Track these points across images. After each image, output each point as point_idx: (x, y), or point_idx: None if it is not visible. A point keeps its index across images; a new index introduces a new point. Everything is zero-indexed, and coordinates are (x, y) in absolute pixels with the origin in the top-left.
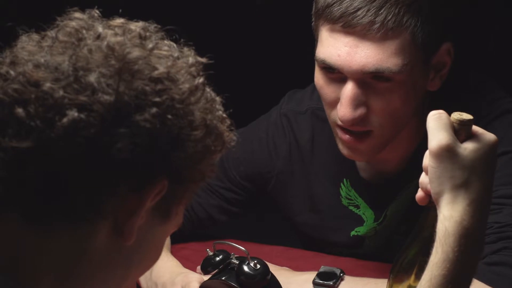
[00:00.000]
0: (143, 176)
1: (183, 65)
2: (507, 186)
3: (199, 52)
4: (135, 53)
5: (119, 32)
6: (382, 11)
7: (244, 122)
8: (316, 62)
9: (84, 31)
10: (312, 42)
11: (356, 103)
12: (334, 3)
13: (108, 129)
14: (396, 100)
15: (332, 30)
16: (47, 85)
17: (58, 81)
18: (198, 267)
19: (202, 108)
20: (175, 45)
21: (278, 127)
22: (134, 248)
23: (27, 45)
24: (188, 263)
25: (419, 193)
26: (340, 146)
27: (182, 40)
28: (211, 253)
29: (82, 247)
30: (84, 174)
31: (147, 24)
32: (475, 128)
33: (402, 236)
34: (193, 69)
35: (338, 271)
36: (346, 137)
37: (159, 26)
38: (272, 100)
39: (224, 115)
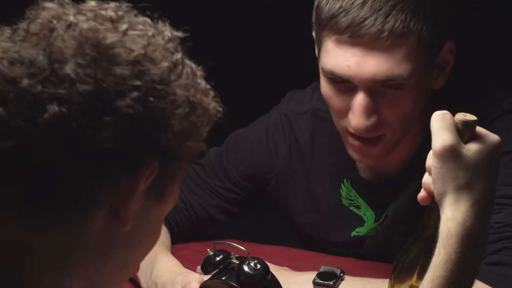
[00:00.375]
0: (133, 160)
1: (160, 42)
2: (507, 186)
3: (200, 53)
4: (110, 38)
5: (91, 17)
6: (389, 18)
7: (244, 122)
8: (322, 72)
9: (55, 21)
10: (313, 41)
11: (369, 112)
12: (339, 14)
13: (90, 119)
14: (406, 104)
15: (339, 41)
16: (25, 81)
17: (35, 76)
18: (198, 267)
19: (183, 85)
20: (149, 21)
21: (278, 127)
22: (132, 232)
23: (0, 41)
24: (188, 263)
25: (422, 193)
26: (351, 152)
27: (155, 15)
28: (211, 253)
29: (79, 238)
30: (73, 167)
31: (118, 5)
32: (478, 129)
33: (402, 236)
34: (170, 45)
35: (338, 271)
36: (357, 143)
37: (131, 5)
38: (272, 100)
39: (207, 86)
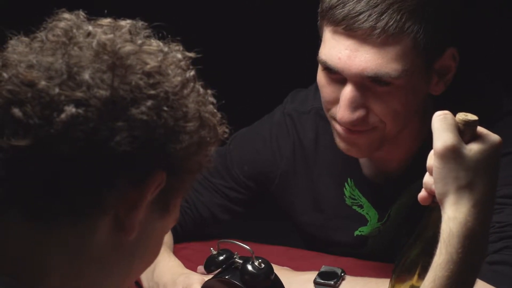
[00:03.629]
0: (142, 169)
1: (173, 60)
2: (508, 186)
3: (202, 53)
4: (127, 48)
5: (109, 30)
6: (383, 16)
7: (247, 121)
8: (318, 61)
9: (74, 30)
10: (314, 41)
11: (355, 105)
12: (337, 5)
13: (106, 123)
14: (395, 103)
15: (335, 32)
16: (42, 83)
17: (52, 79)
18: (199, 267)
19: (195, 101)
20: (161, 42)
21: (282, 126)
22: (136, 243)
23: (18, 47)
24: (189, 263)
25: (422, 193)
26: (337, 140)
27: (169, 36)
28: (214, 252)
29: (83, 243)
30: (84, 169)
31: (134, 22)
32: (479, 129)
33: (405, 236)
34: (182, 63)
35: (339, 271)
36: (344, 129)
37: (146, 24)
38: (276, 99)
39: (215, 110)
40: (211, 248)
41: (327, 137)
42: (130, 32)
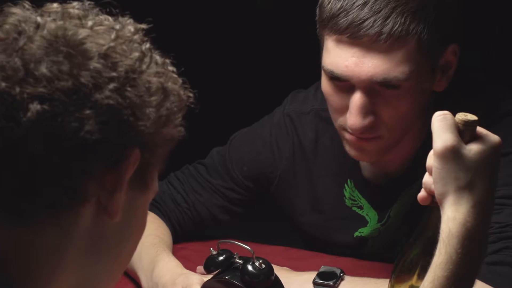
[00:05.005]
0: (116, 151)
1: (127, 35)
2: (507, 186)
3: (203, 54)
4: (79, 33)
5: (57, 16)
6: (388, 21)
7: (247, 122)
8: (323, 71)
9: (23, 24)
10: (314, 42)
11: (365, 111)
12: (340, 14)
13: (73, 114)
14: (404, 105)
15: (339, 41)
16: (2, 84)
17: (10, 78)
18: (198, 267)
19: (155, 73)
20: (111, 18)
21: (282, 127)
22: (122, 224)
23: None
24: (188, 263)
25: (422, 193)
26: (347, 148)
27: (116, 11)
28: (214, 252)
29: (67, 234)
30: (59, 163)
31: (81, 3)
32: (479, 129)
33: (405, 237)
34: (136, 37)
35: (338, 271)
36: (353, 137)
37: (93, 2)
38: (275, 100)
39: (175, 75)
40: (211, 248)
41: (327, 138)
42: (78, 16)
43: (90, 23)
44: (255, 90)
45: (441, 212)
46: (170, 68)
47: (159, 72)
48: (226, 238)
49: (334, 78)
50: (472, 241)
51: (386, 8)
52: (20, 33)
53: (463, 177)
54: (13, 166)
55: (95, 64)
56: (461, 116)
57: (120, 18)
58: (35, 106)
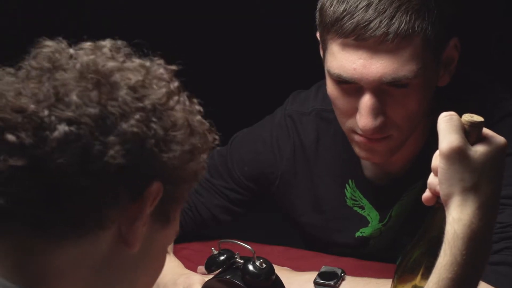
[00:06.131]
0: (139, 181)
1: (156, 73)
2: (510, 186)
3: (204, 54)
4: (109, 65)
5: (90, 51)
6: (394, 21)
7: (248, 122)
8: (328, 75)
9: (57, 55)
10: (315, 42)
11: (376, 112)
12: (344, 17)
13: (98, 138)
14: (413, 103)
15: (344, 44)
16: (32, 107)
17: (41, 103)
18: (199, 267)
19: (182, 110)
20: (142, 59)
21: (283, 128)
22: (140, 255)
23: (3, 77)
24: (188, 263)
25: (427, 194)
26: (357, 150)
27: (149, 52)
28: (215, 252)
29: (85, 254)
30: (81, 185)
31: (113, 41)
32: (485, 130)
33: (407, 236)
34: (165, 76)
35: (339, 271)
36: (363, 138)
37: (125, 42)
38: (276, 100)
39: (202, 119)
40: (212, 248)
41: (328, 138)
42: (110, 51)
43: (121, 58)
44: (256, 91)
45: (446, 213)
46: (197, 108)
47: (186, 110)
48: (227, 237)
49: (342, 82)
50: (477, 243)
51: (390, 7)
52: (54, 62)
53: (469, 178)
54: (38, 180)
55: (123, 95)
56: (467, 117)
57: (152, 59)
58: (62, 127)
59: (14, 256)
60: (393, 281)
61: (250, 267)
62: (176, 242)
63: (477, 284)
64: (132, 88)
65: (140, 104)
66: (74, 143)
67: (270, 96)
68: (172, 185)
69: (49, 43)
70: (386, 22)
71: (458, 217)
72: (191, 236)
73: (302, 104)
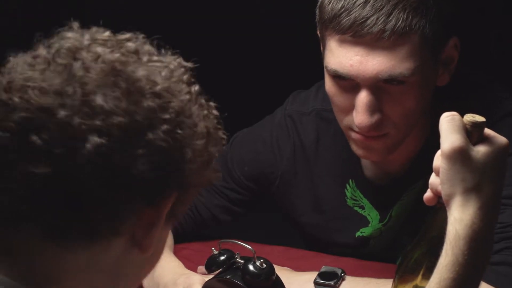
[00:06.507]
0: (160, 191)
1: (179, 75)
2: (509, 187)
3: (204, 54)
4: (139, 71)
5: (114, 48)
6: (391, 18)
7: (248, 122)
8: (326, 71)
9: (81, 52)
10: (316, 42)
11: (372, 109)
12: (341, 14)
13: (127, 150)
14: (410, 101)
15: (342, 41)
16: (61, 113)
17: (67, 107)
18: (200, 267)
19: (202, 116)
20: (162, 57)
21: (283, 128)
22: (148, 256)
23: (20, 66)
24: (189, 263)
25: (428, 194)
26: (354, 148)
27: (167, 47)
28: (216, 252)
29: (98, 260)
30: (105, 195)
31: (135, 35)
32: (486, 130)
33: (407, 236)
34: (185, 77)
35: (339, 271)
36: (360, 136)
37: (145, 36)
38: (277, 100)
39: (218, 125)
40: (213, 248)
41: (328, 138)
42: (135, 50)
43: (145, 58)
44: (256, 91)
45: (448, 213)
46: (214, 112)
47: (206, 115)
48: (227, 237)
49: (339, 78)
50: (479, 243)
51: (388, 5)
52: (76, 59)
53: (471, 178)
54: (60, 189)
55: (149, 103)
56: (469, 117)
57: (169, 55)
58: (94, 139)
59: (25, 258)
60: (394, 281)
61: (251, 267)
62: (176, 242)
63: (478, 284)
64: (158, 95)
65: (167, 116)
66: (104, 156)
67: (270, 96)
68: (186, 191)
69: (69, 34)
70: (383, 19)
71: (459, 217)
72: (191, 236)
73: (302, 104)
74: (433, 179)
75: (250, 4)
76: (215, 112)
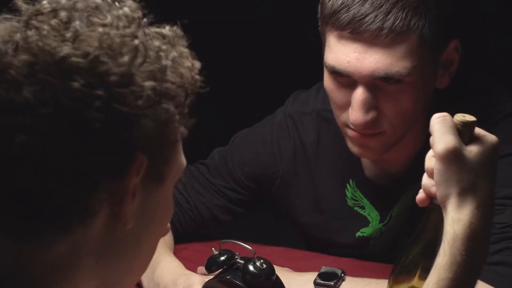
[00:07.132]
0: (118, 164)
1: (119, 28)
2: (509, 187)
3: (206, 54)
4: (61, 50)
5: (43, 23)
6: (389, 16)
7: (249, 122)
8: (324, 67)
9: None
10: (316, 42)
11: (368, 106)
12: (341, 10)
13: (61, 140)
14: (406, 100)
15: (340, 37)
16: None
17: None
18: (200, 267)
19: (148, 74)
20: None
21: (283, 128)
22: (139, 226)
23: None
24: (189, 264)
25: (421, 195)
26: (350, 145)
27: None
28: (216, 252)
29: (79, 246)
30: (59, 185)
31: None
32: (477, 129)
33: (407, 237)
34: (128, 30)
35: (339, 272)
36: (356, 133)
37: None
38: (277, 100)
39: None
40: (213, 248)
41: (328, 138)
42: (63, 22)
43: (75, 26)
44: (257, 91)
45: (444, 214)
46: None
47: (153, 70)
48: (227, 238)
49: (336, 74)
50: (476, 243)
51: (387, 3)
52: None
53: (466, 178)
54: (10, 192)
55: (78, 83)
56: (459, 117)
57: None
58: (21, 137)
59: (6, 268)
60: (389, 281)
61: (251, 267)
62: (176, 242)
63: (475, 283)
64: (88, 69)
65: (98, 92)
66: (37, 152)
67: (271, 96)
68: (156, 150)
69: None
70: (381, 17)
71: (457, 218)
72: (192, 237)
73: (302, 104)
74: (426, 180)
75: (250, 4)
76: (168, 55)
